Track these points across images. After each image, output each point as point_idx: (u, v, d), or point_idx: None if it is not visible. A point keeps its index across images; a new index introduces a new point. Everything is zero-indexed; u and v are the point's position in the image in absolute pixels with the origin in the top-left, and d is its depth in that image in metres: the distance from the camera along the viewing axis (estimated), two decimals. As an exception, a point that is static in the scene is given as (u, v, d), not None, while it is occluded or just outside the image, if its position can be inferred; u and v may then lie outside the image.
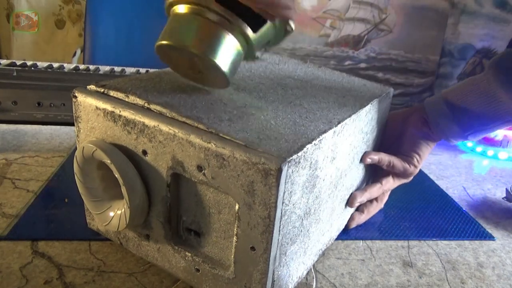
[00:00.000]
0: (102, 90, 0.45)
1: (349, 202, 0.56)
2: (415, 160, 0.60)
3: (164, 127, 0.39)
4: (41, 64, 0.96)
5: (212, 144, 0.37)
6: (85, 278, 0.47)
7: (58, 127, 0.89)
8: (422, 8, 1.98)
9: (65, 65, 0.98)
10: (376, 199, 0.62)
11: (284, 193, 0.36)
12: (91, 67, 0.99)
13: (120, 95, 0.44)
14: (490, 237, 0.62)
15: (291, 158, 0.35)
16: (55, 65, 0.97)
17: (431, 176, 0.81)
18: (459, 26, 2.02)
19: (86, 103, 0.44)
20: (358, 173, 0.57)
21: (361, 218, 0.61)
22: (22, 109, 0.89)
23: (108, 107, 0.43)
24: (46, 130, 0.87)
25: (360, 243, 0.58)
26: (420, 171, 0.83)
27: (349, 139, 0.48)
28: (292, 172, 0.36)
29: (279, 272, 0.42)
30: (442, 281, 0.52)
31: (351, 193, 0.57)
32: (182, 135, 0.38)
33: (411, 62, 2.04)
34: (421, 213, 0.67)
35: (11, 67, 0.91)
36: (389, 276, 0.52)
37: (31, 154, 0.75)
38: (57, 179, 0.67)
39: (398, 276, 0.52)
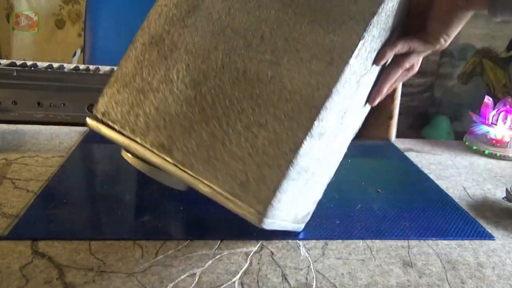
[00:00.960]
0: (105, 121, 0.48)
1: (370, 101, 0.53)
2: (441, 40, 0.50)
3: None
4: (41, 64, 0.96)
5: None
6: (85, 278, 0.47)
7: (58, 127, 0.89)
8: (422, 8, 1.99)
9: (65, 65, 0.98)
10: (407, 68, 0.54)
11: None
12: (91, 67, 0.99)
13: (120, 128, 0.48)
14: (490, 237, 0.62)
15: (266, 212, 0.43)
16: (55, 65, 0.97)
17: (431, 176, 0.81)
18: (459, 26, 2.02)
19: (103, 133, 0.49)
20: (374, 74, 0.53)
21: (384, 87, 0.54)
22: (22, 109, 0.89)
23: (119, 142, 0.47)
24: (46, 130, 0.87)
25: (360, 243, 0.58)
26: (420, 171, 0.83)
27: (342, 95, 0.45)
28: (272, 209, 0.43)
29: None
30: (442, 281, 0.52)
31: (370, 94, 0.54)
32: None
33: (411, 62, 2.04)
34: (421, 213, 0.67)
35: (11, 67, 0.91)
36: (389, 276, 0.52)
37: (31, 154, 0.75)
38: (57, 179, 0.67)
39: (398, 276, 0.52)
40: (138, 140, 0.47)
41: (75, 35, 2.27)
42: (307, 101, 0.43)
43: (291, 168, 0.42)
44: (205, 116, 0.45)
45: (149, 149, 0.46)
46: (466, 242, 0.60)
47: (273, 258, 0.53)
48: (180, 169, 0.45)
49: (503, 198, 0.73)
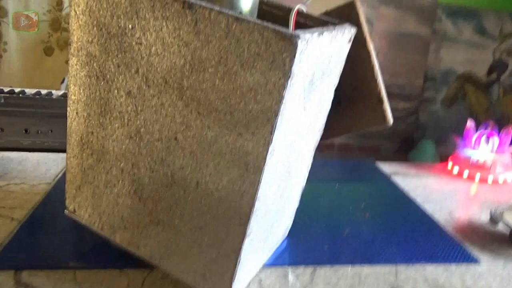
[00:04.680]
0: (78, 216, 0.53)
1: None
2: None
3: None
4: (29, 91, 0.96)
5: None
6: (70, 309, 0.46)
7: (45, 154, 0.89)
8: (405, 35, 2.05)
9: (53, 92, 0.98)
10: None
11: None
12: (79, 93, 0.99)
13: (91, 225, 0.52)
14: (476, 261, 0.62)
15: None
16: (43, 91, 0.98)
17: (418, 200, 0.81)
18: (441, 52, 2.08)
19: (82, 223, 0.54)
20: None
21: None
22: (9, 136, 0.89)
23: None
24: (33, 157, 0.86)
25: (349, 268, 0.58)
26: (406, 195, 0.84)
27: (273, 176, 0.45)
28: None
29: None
30: (430, 306, 0.52)
31: None
32: None
33: (395, 87, 2.09)
34: (408, 237, 0.67)
35: (-1, 94, 0.91)
36: (377, 302, 0.52)
37: (17, 182, 0.74)
38: (42, 207, 0.66)
39: (387, 302, 0.52)
40: (108, 236, 0.51)
41: (63, 62, 2.28)
42: (235, 208, 0.43)
43: (239, 259, 0.44)
44: (153, 218, 0.48)
45: (120, 244, 0.51)
46: (453, 266, 0.61)
47: (261, 285, 0.52)
48: (150, 261, 0.49)
49: (487, 222, 0.74)
